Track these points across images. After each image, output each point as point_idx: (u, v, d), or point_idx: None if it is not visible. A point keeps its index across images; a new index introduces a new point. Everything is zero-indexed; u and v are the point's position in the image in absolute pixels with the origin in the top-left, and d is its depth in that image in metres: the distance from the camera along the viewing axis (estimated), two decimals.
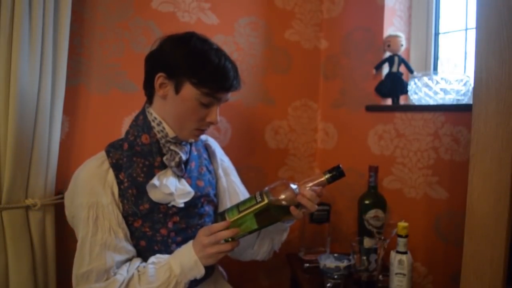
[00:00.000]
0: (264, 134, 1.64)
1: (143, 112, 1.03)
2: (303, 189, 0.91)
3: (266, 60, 1.61)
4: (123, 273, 0.93)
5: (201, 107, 0.96)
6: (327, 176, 0.92)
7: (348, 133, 1.61)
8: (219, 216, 0.94)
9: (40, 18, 1.11)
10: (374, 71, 1.50)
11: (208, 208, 1.09)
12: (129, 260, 0.97)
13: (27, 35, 1.09)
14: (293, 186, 0.92)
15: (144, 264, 0.97)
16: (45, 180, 1.20)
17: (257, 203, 0.89)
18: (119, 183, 0.98)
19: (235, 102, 1.54)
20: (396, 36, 1.44)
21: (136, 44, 1.37)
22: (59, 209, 1.26)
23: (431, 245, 1.33)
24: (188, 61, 0.94)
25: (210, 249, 0.90)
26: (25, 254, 1.15)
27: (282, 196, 0.89)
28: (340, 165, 0.92)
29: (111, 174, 0.98)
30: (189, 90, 0.95)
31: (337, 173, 0.92)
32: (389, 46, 1.45)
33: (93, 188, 0.95)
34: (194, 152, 1.08)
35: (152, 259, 0.97)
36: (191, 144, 1.07)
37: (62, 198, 1.25)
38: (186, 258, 0.92)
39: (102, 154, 1.01)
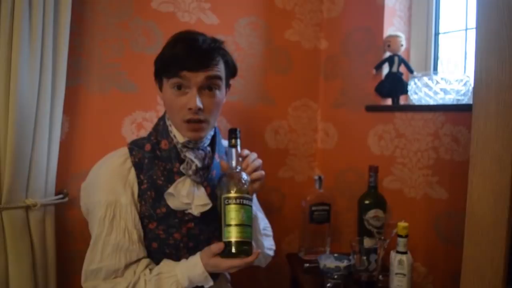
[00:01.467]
0: (264, 134, 1.64)
1: (163, 117, 1.03)
2: (246, 168, 0.96)
3: (266, 60, 1.61)
4: (130, 275, 0.94)
5: (177, 94, 0.95)
6: (232, 143, 0.96)
7: (348, 133, 1.61)
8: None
9: (40, 18, 1.11)
10: (374, 71, 1.50)
11: None
12: (139, 260, 0.97)
13: (27, 35, 1.09)
14: (239, 173, 0.94)
15: (151, 266, 0.97)
16: (45, 180, 1.19)
17: (221, 208, 0.89)
18: (140, 183, 0.97)
19: (235, 102, 1.54)
20: (396, 36, 1.44)
21: (136, 44, 1.37)
22: (59, 209, 1.26)
23: (431, 245, 1.33)
24: (159, 56, 0.97)
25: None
26: (25, 254, 1.15)
27: (233, 187, 0.90)
28: (233, 127, 0.96)
29: (132, 173, 0.97)
30: (164, 83, 0.97)
31: (234, 135, 0.96)
32: (389, 46, 1.45)
33: (114, 187, 0.95)
34: (217, 160, 1.05)
35: (158, 269, 0.95)
36: (213, 150, 1.04)
37: (62, 198, 1.25)
38: (195, 273, 0.92)
39: (125, 151, 1.00)
